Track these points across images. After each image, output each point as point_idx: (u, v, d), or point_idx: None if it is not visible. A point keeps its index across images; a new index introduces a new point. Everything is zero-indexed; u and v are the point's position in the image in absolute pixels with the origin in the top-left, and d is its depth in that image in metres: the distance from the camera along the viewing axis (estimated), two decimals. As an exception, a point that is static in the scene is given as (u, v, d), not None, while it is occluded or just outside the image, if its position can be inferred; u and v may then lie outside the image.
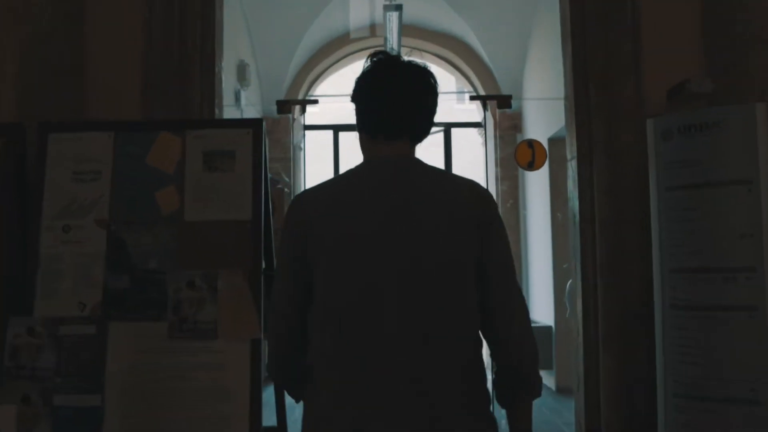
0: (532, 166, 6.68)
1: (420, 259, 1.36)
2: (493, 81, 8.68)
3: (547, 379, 7.39)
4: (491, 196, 1.52)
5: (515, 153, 6.75)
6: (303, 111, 3.99)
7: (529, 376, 1.44)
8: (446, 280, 1.37)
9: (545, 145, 7.29)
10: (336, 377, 1.36)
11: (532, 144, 6.81)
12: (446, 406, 1.33)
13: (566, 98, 3.44)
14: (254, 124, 2.68)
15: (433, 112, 1.53)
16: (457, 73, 9.17)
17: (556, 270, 7.04)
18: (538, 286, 7.79)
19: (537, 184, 7.91)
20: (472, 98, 8.36)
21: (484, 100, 7.41)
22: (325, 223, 1.40)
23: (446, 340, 1.36)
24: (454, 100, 23.21)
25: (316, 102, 4.06)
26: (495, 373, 1.48)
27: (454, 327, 1.38)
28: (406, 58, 1.52)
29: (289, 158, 8.72)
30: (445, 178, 1.49)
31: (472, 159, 10.62)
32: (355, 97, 1.53)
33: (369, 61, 1.52)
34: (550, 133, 7.19)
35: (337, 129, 9.10)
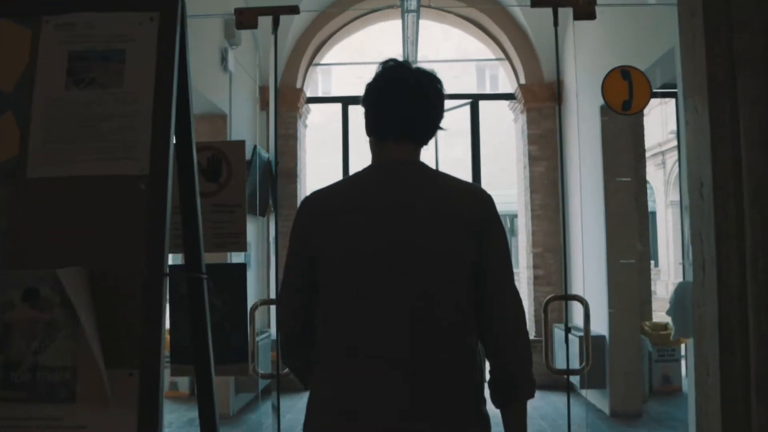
0: (629, 106, 4.56)
1: (417, 259, 1.41)
2: (527, 45, 7.42)
3: (599, 400, 6.17)
4: (491, 200, 1.51)
5: (602, 87, 4.61)
6: (276, 26, 2.73)
7: (522, 377, 1.45)
8: (442, 280, 1.41)
9: (597, 112, 6.04)
10: (334, 367, 1.44)
11: (628, 74, 4.51)
12: (439, 403, 1.38)
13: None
14: (164, 3, 1.46)
15: (439, 116, 1.58)
16: (484, 35, 7.90)
17: (611, 267, 5.80)
18: (587, 286, 6.54)
19: (583, 163, 6.64)
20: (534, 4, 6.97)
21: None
22: (331, 224, 1.46)
23: (441, 339, 1.41)
24: (481, 78, 21.70)
25: (296, 11, 2.81)
26: (489, 372, 1.50)
27: (449, 327, 1.42)
28: (414, 65, 1.57)
29: (292, 135, 7.52)
30: (446, 181, 1.52)
31: (502, 139, 9.38)
32: (364, 101, 1.57)
33: (380, 67, 1.57)
34: (602, 101, 5.91)
35: (346, 102, 7.89)
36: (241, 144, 2.46)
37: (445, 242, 1.41)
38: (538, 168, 7.34)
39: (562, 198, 7.26)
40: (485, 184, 2.22)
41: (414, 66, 1.56)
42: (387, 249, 1.41)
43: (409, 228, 1.42)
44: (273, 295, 7.16)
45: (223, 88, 6.19)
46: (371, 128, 1.56)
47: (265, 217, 7.38)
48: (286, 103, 7.50)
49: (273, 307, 6.44)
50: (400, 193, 1.46)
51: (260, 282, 7.26)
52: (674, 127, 7.76)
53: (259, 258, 7.23)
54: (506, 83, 8.30)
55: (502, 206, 1.81)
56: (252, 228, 7.03)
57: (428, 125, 1.57)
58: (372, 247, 1.42)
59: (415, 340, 1.38)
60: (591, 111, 6.20)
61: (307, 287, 1.49)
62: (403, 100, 1.51)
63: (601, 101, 5.91)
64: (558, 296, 5.62)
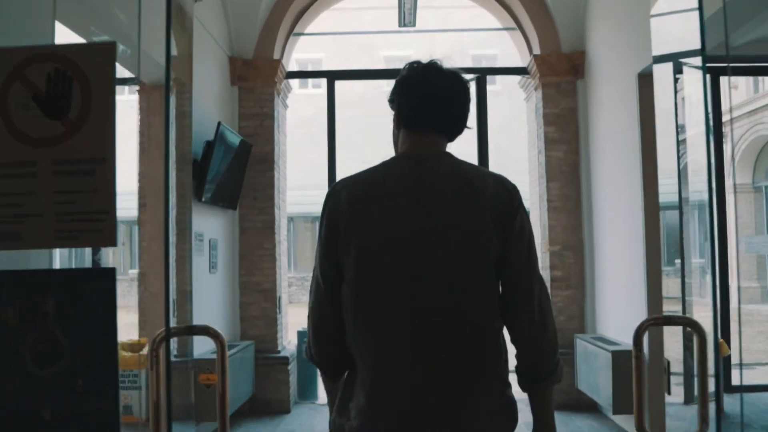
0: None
1: (443, 250, 1.44)
2: (543, 9, 6.36)
3: (629, 424, 5.11)
4: (516, 189, 1.54)
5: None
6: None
7: (546, 365, 1.49)
8: (468, 269, 1.44)
9: (633, 82, 4.98)
10: (361, 355, 1.46)
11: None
12: (465, 387, 1.41)
13: None
14: None
15: (466, 114, 1.63)
16: (494, 4, 6.83)
17: (651, 270, 4.75)
18: (618, 292, 5.49)
19: (614, 144, 5.59)
20: None
21: None
22: (356, 213, 1.48)
23: (467, 328, 1.43)
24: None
25: None
26: (516, 357, 1.52)
27: (473, 315, 1.44)
28: (443, 64, 1.61)
29: (269, 114, 6.43)
30: (472, 171, 1.54)
31: (510, 118, 8.31)
32: (394, 96, 1.63)
33: (407, 67, 1.62)
34: (640, 67, 4.87)
35: (332, 76, 6.81)
36: (108, 48, 1.38)
37: (471, 231, 1.45)
38: (555, 152, 6.28)
39: (585, 187, 6.22)
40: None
41: (443, 66, 1.61)
42: (415, 238, 1.45)
43: (437, 218, 1.46)
44: (239, 303, 6.26)
45: (183, 53, 5.11)
46: (404, 121, 1.61)
47: (237, 211, 6.30)
48: (260, 76, 6.41)
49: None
50: (428, 185, 1.49)
51: (229, 290, 6.18)
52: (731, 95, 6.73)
53: (228, 259, 6.15)
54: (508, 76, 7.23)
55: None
56: (219, 223, 5.95)
57: (456, 122, 1.62)
58: (401, 237, 1.45)
59: (442, 331, 1.42)
60: (625, 81, 5.15)
61: (337, 277, 1.50)
62: (430, 94, 1.57)
63: (640, 68, 4.87)
64: (659, 318, 3.91)
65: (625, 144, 5.19)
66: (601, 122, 5.89)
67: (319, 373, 1.72)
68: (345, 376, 1.54)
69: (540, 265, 6.33)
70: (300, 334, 6.77)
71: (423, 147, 1.56)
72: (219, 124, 5.29)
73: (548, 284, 6.18)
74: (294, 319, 15.56)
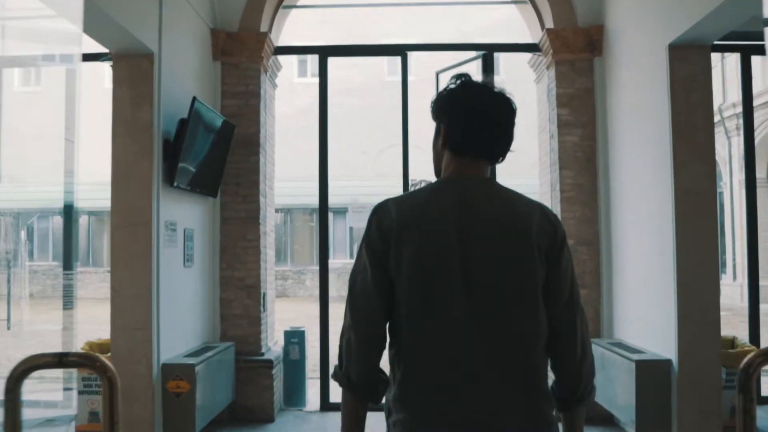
0: None
1: (492, 275, 1.47)
2: (557, -20, 5.76)
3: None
4: (559, 221, 1.58)
5: None
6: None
7: (584, 391, 1.56)
8: (514, 296, 1.47)
9: (663, 56, 4.38)
10: (408, 375, 1.48)
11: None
12: (514, 403, 1.44)
13: None
14: None
15: (512, 136, 1.60)
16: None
17: (681, 270, 4.17)
18: (640, 293, 4.90)
19: (637, 127, 5.00)
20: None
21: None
22: (405, 238, 1.49)
23: (515, 350, 1.46)
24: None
25: None
26: (555, 382, 1.58)
27: (521, 340, 1.46)
28: (494, 87, 1.59)
29: (254, 92, 5.84)
30: (515, 199, 1.56)
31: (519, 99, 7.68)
32: (442, 114, 1.60)
33: (455, 81, 1.59)
34: (672, 36, 4.27)
35: (325, 52, 6.22)
36: None
37: (518, 260, 1.47)
38: (569, 137, 5.69)
39: (602, 175, 5.62)
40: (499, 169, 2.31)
41: (491, 85, 1.59)
42: (464, 264, 1.46)
43: (486, 244, 1.47)
44: (219, 300, 5.70)
45: (153, 20, 4.52)
46: (453, 145, 1.58)
47: (218, 199, 5.72)
48: (246, 51, 5.81)
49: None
50: (474, 213, 1.50)
51: (208, 285, 5.60)
52: (740, 87, 6.11)
53: (206, 252, 5.58)
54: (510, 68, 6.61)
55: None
56: (197, 212, 5.37)
57: (504, 146, 1.60)
58: (450, 262, 1.46)
59: (494, 352, 1.44)
60: (652, 55, 4.55)
61: (383, 295, 1.51)
62: (485, 123, 1.55)
63: (671, 38, 4.27)
64: None
65: (652, 125, 4.60)
66: (621, 103, 5.29)
67: (340, 392, 1.61)
68: (392, 398, 1.53)
69: None
70: (288, 334, 6.20)
71: (469, 173, 1.57)
72: (194, 99, 4.69)
73: (560, 282, 5.60)
74: (285, 315, 14.86)
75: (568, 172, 5.66)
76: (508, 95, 1.58)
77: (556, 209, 5.68)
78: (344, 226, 22.99)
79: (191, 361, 4.54)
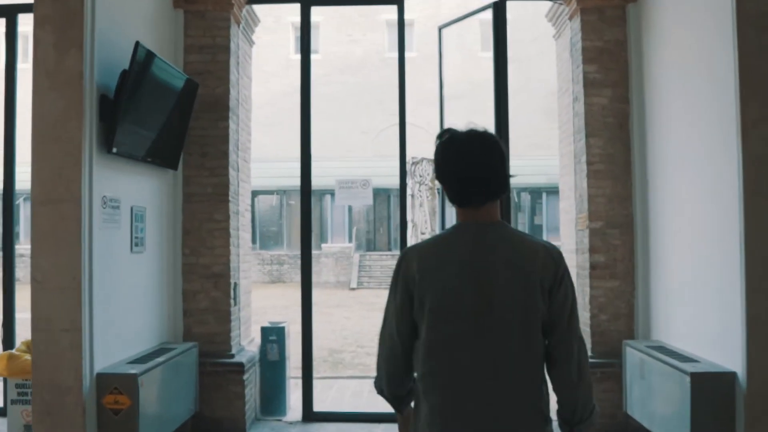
0: None
1: (500, 309, 1.70)
2: None
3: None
4: (561, 257, 1.77)
5: None
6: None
7: (584, 410, 1.75)
8: (520, 328, 1.69)
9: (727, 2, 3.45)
10: (430, 401, 1.74)
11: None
12: (516, 419, 1.68)
13: None
14: None
15: (506, 169, 1.83)
16: None
17: (750, 260, 3.27)
18: (686, 285, 4.00)
19: (685, 85, 4.07)
20: None
21: None
22: (426, 281, 1.75)
23: (516, 378, 1.69)
24: None
25: None
26: (557, 404, 1.78)
27: (523, 366, 1.69)
28: (472, 129, 1.80)
29: (223, 46, 4.91)
30: (521, 241, 1.77)
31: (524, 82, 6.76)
32: (439, 175, 1.84)
33: (439, 143, 1.82)
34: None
35: (307, 1, 5.28)
36: None
37: (522, 295, 1.69)
38: (597, 98, 4.77)
39: (638, 144, 4.72)
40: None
41: (473, 131, 1.79)
42: (476, 300, 1.70)
43: (494, 282, 1.70)
44: (182, 292, 4.61)
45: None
46: (451, 201, 1.82)
47: (179, 171, 4.83)
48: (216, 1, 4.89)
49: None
50: (488, 255, 1.73)
51: (167, 275, 4.72)
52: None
53: (165, 235, 4.69)
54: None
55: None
56: (151, 186, 4.48)
57: (501, 183, 1.79)
58: (465, 298, 1.71)
59: (498, 377, 1.68)
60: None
61: (408, 327, 1.79)
62: (473, 180, 1.76)
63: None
64: None
65: (709, 79, 3.68)
66: (664, 55, 4.36)
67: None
68: (416, 414, 1.82)
69: (575, 247, 4.69)
70: (265, 331, 5.34)
71: (477, 218, 1.79)
72: (137, 45, 3.77)
73: (586, 271, 4.72)
74: (278, 302, 13.74)
75: (596, 140, 4.74)
76: (486, 137, 1.77)
77: (582, 184, 4.78)
78: (342, 208, 22.12)
79: (134, 369, 3.67)
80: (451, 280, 1.71)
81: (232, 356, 4.78)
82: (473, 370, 1.68)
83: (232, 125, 4.94)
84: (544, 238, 20.77)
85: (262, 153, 23.63)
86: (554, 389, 1.77)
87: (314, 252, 23.09)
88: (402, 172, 5.28)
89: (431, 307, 1.72)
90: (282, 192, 22.27)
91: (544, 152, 25.24)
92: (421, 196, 11.98)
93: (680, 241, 4.10)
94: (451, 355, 1.70)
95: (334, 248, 21.45)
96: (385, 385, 1.89)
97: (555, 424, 1.80)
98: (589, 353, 4.47)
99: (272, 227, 22.44)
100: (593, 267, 4.67)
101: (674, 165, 4.19)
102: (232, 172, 4.92)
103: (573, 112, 5.00)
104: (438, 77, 6.01)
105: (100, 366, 3.63)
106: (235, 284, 4.95)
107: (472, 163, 1.75)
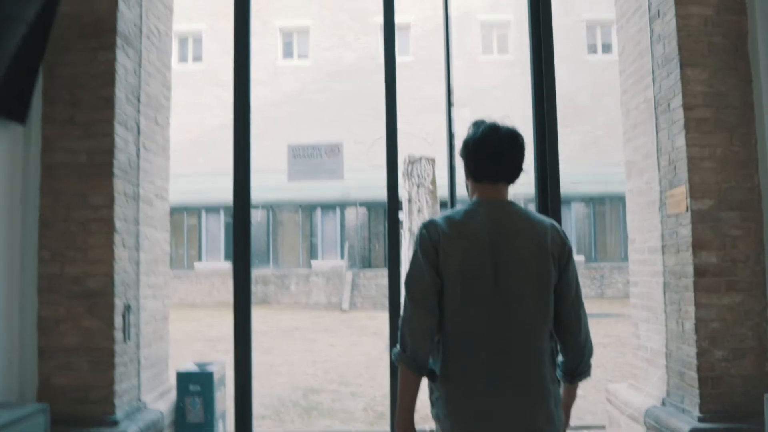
0: None
1: (519, 276, 1.85)
2: None
3: None
4: (566, 236, 1.95)
5: None
6: None
7: (588, 365, 1.96)
8: (535, 293, 1.85)
9: None
10: (456, 357, 1.85)
11: None
12: (534, 383, 1.83)
13: None
14: None
15: (523, 162, 1.99)
16: None
17: None
18: None
19: None
20: None
21: None
22: (451, 247, 1.86)
23: (531, 332, 1.85)
24: None
25: None
26: (563, 362, 1.98)
27: (536, 323, 1.85)
28: (499, 124, 1.97)
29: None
30: (533, 217, 1.94)
31: None
32: (467, 153, 2.00)
33: (472, 127, 2.01)
34: None
35: None
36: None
37: (538, 264, 1.86)
38: (697, 8, 3.02)
39: (766, 77, 2.95)
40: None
41: (499, 126, 1.96)
42: (495, 266, 1.85)
43: (513, 252, 1.86)
44: (36, 320, 2.76)
45: None
46: (474, 174, 1.98)
47: (31, 128, 3.06)
48: None
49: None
50: (503, 226, 1.89)
51: (13, 289, 2.92)
52: None
53: (7, 225, 2.90)
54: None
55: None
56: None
57: (517, 171, 1.97)
58: (485, 264, 1.85)
59: (512, 334, 1.83)
60: None
61: (435, 285, 1.87)
62: (500, 155, 1.94)
63: None
64: None
65: None
66: None
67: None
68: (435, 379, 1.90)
69: (658, 243, 3.46)
70: (183, 378, 3.54)
71: (491, 195, 1.95)
72: None
73: (687, 281, 2.92)
74: (258, 326, 11.78)
75: (697, 72, 2.98)
76: (514, 131, 1.96)
77: (672, 146, 3.02)
78: (334, 223, 20.38)
79: None
80: (473, 246, 1.86)
81: (115, 423, 2.95)
82: (491, 329, 1.82)
83: (122, 60, 3.18)
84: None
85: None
86: (562, 349, 1.94)
87: (304, 271, 21.06)
88: (391, 185, 3.57)
89: (455, 271, 1.85)
90: (269, 206, 20.52)
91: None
92: (419, 201, 10.20)
93: None
94: (474, 315, 1.83)
95: (326, 266, 19.66)
96: (414, 346, 1.87)
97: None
98: (696, 411, 2.68)
99: (258, 244, 20.63)
100: (699, 272, 2.87)
101: None
102: (121, 131, 3.15)
103: (652, 37, 3.24)
104: (444, 58, 4.31)
105: None
106: (127, 308, 3.15)
107: (510, 147, 1.93)
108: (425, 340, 1.86)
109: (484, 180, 1.95)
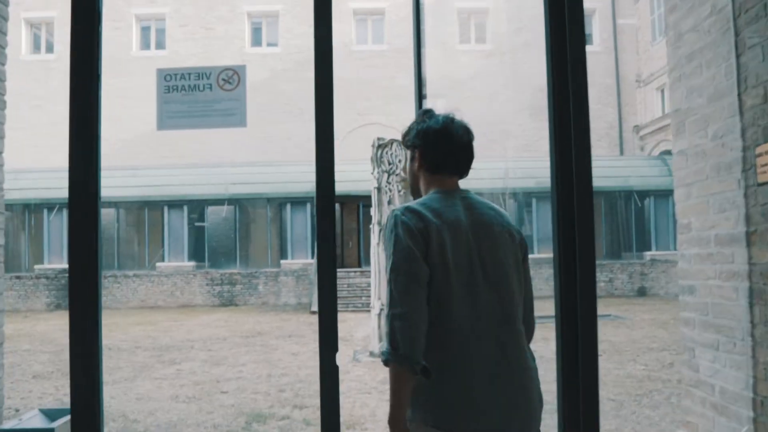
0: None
1: (497, 261, 1.90)
2: None
3: None
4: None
5: None
6: None
7: (531, 336, 2.06)
8: (511, 275, 1.91)
9: None
10: (450, 347, 1.82)
11: None
12: (518, 357, 1.87)
13: None
14: None
15: (473, 156, 2.06)
16: None
17: None
18: None
19: None
20: None
21: None
22: (441, 235, 1.84)
23: (518, 321, 1.91)
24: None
25: None
26: None
27: (519, 312, 1.93)
28: (455, 116, 2.02)
29: None
30: (496, 207, 2.01)
31: None
32: (421, 145, 2.00)
33: (427, 118, 2.01)
34: None
35: None
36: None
37: (513, 251, 1.93)
38: None
39: None
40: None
41: (455, 118, 2.00)
42: (479, 252, 1.87)
43: (493, 241, 1.90)
44: None
45: None
46: (430, 167, 1.99)
47: None
48: None
49: None
50: (477, 214, 1.93)
51: None
52: None
53: None
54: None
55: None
56: None
57: (469, 164, 2.02)
58: (473, 254, 1.87)
59: (506, 324, 1.87)
60: None
61: (424, 277, 1.81)
62: (461, 148, 1.98)
63: None
64: None
65: None
66: None
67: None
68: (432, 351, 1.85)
69: (743, 227, 3.12)
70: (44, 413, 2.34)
71: (450, 187, 1.98)
72: None
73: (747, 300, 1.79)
74: (217, 331, 11.77)
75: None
76: (465, 125, 2.00)
77: (760, 75, 1.88)
78: (304, 219, 19.16)
79: None
80: (459, 235, 1.85)
81: None
82: (481, 308, 1.84)
83: None
84: (535, 250, 17.57)
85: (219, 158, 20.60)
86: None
87: (272, 270, 19.72)
88: (324, 181, 2.45)
89: (446, 260, 1.82)
90: (235, 201, 19.26)
91: (533, 154, 22.50)
92: (390, 191, 9.04)
93: None
94: (470, 304, 1.83)
95: (295, 265, 18.46)
96: (409, 339, 1.77)
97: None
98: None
99: (224, 242, 19.34)
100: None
101: None
102: None
103: None
104: (414, 46, 3.36)
105: None
106: None
107: (467, 141, 1.98)
108: (420, 334, 1.79)
109: (443, 172, 1.98)
